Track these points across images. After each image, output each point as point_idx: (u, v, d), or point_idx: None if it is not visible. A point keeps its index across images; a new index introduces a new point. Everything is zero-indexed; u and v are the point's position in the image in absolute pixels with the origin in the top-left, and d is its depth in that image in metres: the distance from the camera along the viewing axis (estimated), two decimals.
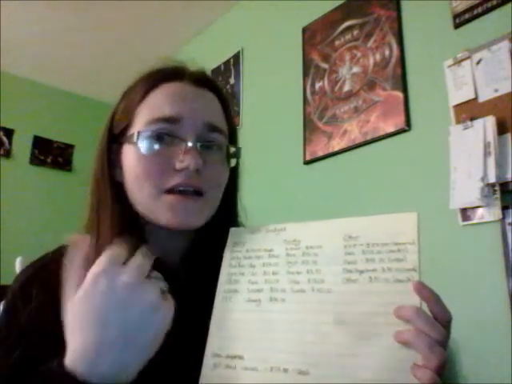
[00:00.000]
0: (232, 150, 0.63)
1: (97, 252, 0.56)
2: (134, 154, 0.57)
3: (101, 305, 0.40)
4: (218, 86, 0.65)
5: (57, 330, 0.52)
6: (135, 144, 0.57)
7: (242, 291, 0.52)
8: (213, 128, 0.60)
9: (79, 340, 0.40)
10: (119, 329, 0.40)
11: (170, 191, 0.56)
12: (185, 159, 0.55)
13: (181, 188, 0.56)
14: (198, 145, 0.57)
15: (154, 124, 0.57)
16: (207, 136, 0.59)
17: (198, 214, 0.58)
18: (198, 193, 0.57)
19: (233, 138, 0.66)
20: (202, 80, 0.62)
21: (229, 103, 0.66)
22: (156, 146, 0.56)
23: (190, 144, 0.56)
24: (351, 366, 0.43)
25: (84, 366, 0.39)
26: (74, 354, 0.40)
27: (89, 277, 0.42)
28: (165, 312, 0.43)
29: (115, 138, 0.61)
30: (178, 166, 0.56)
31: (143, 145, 0.56)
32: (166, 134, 0.57)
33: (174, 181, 0.56)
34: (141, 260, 0.45)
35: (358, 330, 0.44)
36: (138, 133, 0.57)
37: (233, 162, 0.64)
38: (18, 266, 1.98)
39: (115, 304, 0.41)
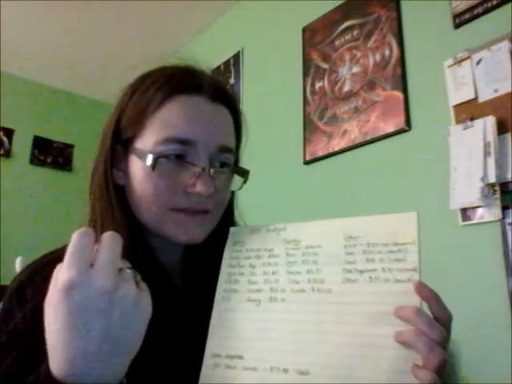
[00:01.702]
0: (239, 170, 0.63)
1: None
2: (142, 170, 0.56)
3: (79, 316, 0.38)
4: (234, 99, 0.63)
5: None
6: (144, 160, 0.55)
7: (241, 291, 0.52)
8: (225, 150, 0.59)
9: (64, 353, 0.38)
10: (103, 335, 0.38)
11: (178, 210, 0.56)
12: (197, 184, 0.55)
13: (189, 210, 0.56)
14: (212, 171, 0.56)
15: (167, 144, 0.55)
16: (219, 157, 0.58)
17: (203, 230, 0.59)
18: (204, 212, 0.58)
19: (239, 149, 0.66)
20: (218, 94, 0.60)
21: (241, 117, 0.65)
22: (167, 168, 0.55)
23: (202, 168, 0.55)
24: (351, 366, 0.43)
25: (74, 378, 0.38)
26: (62, 368, 0.38)
27: (58, 288, 0.38)
28: (144, 303, 0.41)
29: (121, 139, 0.59)
30: (190, 189, 0.55)
31: (153, 164, 0.54)
32: (178, 155, 0.56)
33: (184, 203, 0.56)
34: (110, 253, 0.40)
35: (357, 330, 0.44)
36: (150, 152, 0.55)
37: (238, 180, 0.63)
38: (18, 266, 1.98)
39: (94, 313, 0.38)
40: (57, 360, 0.39)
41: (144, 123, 0.57)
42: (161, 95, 0.57)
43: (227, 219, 0.65)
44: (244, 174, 0.63)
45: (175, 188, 0.56)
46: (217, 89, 0.60)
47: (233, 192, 0.66)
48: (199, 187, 0.55)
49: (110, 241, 0.41)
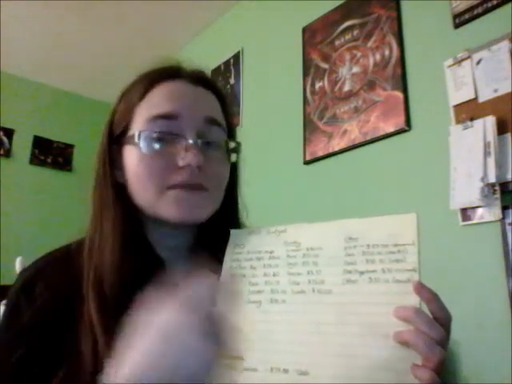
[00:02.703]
0: (232, 145, 0.64)
1: (100, 253, 0.55)
2: (136, 154, 0.58)
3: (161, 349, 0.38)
4: (216, 84, 0.66)
5: (60, 329, 0.52)
6: (136, 144, 0.57)
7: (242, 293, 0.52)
8: (212, 122, 0.60)
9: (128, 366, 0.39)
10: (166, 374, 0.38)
11: (173, 187, 0.57)
12: (186, 156, 0.56)
13: (184, 184, 0.57)
14: (199, 142, 0.57)
15: (154, 122, 0.57)
16: (207, 131, 0.59)
17: (201, 208, 0.58)
18: (200, 188, 0.58)
19: (232, 134, 0.66)
20: (199, 78, 0.63)
21: (226, 100, 0.66)
22: (157, 145, 0.57)
23: (190, 141, 0.57)
24: (351, 367, 0.43)
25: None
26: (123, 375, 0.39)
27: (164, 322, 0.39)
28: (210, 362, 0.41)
29: (116, 138, 0.61)
30: (180, 163, 0.56)
31: (144, 144, 0.56)
32: (166, 132, 0.57)
33: (177, 178, 0.56)
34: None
35: (357, 330, 0.45)
36: (139, 133, 0.57)
37: (233, 157, 0.64)
38: (18, 265, 1.98)
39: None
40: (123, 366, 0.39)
41: (132, 114, 0.59)
42: (144, 86, 0.60)
43: (232, 215, 0.66)
44: (235, 148, 0.64)
45: (167, 165, 0.57)
46: (198, 74, 0.63)
47: (236, 188, 0.67)
48: (188, 158, 0.56)
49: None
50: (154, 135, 0.57)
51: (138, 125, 0.58)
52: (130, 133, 0.59)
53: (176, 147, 0.57)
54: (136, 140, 0.57)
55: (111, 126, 0.62)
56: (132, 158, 0.58)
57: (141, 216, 0.60)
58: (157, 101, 0.58)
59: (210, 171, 0.58)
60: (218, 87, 0.66)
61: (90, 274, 0.55)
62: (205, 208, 0.59)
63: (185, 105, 0.58)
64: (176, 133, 0.57)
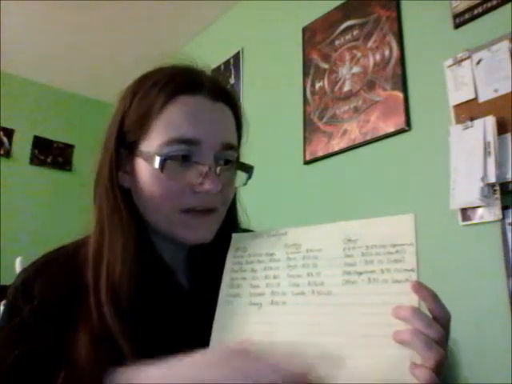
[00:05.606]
0: (243, 166, 0.63)
1: (111, 262, 0.55)
2: (151, 173, 0.56)
3: None
4: (234, 97, 0.64)
5: (58, 329, 0.52)
6: (152, 163, 0.55)
7: (244, 295, 0.53)
8: (228, 147, 0.60)
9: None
10: None
11: (188, 211, 0.57)
12: (205, 183, 0.56)
13: (200, 208, 0.57)
14: (218, 168, 0.57)
15: (172, 145, 0.56)
16: (223, 155, 0.59)
17: (211, 230, 0.59)
18: (214, 211, 0.58)
19: (240, 145, 0.66)
20: (219, 93, 0.60)
21: (241, 114, 0.66)
22: (174, 168, 0.56)
23: (209, 167, 0.56)
24: (351, 367, 0.43)
25: None
26: None
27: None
28: None
29: (125, 143, 0.59)
30: (198, 189, 0.56)
31: (161, 166, 0.55)
32: (184, 155, 0.56)
33: (192, 202, 0.57)
34: None
35: (357, 330, 0.45)
36: (157, 154, 0.55)
37: (241, 176, 0.64)
38: (18, 265, 1.98)
39: None
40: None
41: (148, 126, 0.57)
42: (163, 97, 0.57)
43: (231, 216, 0.66)
44: (248, 169, 0.63)
45: (183, 188, 0.56)
46: (217, 87, 0.61)
47: (235, 198, 0.67)
48: (207, 186, 0.55)
49: None
50: (172, 158, 0.55)
51: (155, 143, 0.56)
52: (145, 147, 0.57)
53: (193, 171, 0.56)
54: (153, 162, 0.55)
55: (120, 128, 0.59)
56: (145, 174, 0.57)
57: (148, 222, 0.60)
58: (176, 121, 0.56)
59: (222, 194, 0.58)
60: (236, 101, 0.64)
61: (100, 281, 0.54)
62: (213, 230, 0.60)
63: (204, 130, 0.57)
64: (194, 158, 0.56)
